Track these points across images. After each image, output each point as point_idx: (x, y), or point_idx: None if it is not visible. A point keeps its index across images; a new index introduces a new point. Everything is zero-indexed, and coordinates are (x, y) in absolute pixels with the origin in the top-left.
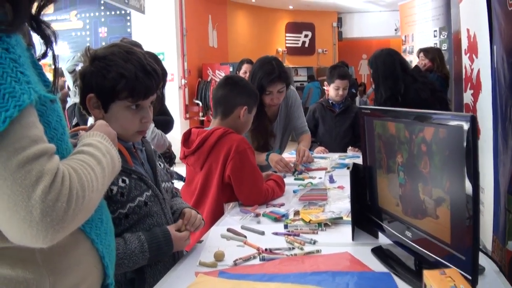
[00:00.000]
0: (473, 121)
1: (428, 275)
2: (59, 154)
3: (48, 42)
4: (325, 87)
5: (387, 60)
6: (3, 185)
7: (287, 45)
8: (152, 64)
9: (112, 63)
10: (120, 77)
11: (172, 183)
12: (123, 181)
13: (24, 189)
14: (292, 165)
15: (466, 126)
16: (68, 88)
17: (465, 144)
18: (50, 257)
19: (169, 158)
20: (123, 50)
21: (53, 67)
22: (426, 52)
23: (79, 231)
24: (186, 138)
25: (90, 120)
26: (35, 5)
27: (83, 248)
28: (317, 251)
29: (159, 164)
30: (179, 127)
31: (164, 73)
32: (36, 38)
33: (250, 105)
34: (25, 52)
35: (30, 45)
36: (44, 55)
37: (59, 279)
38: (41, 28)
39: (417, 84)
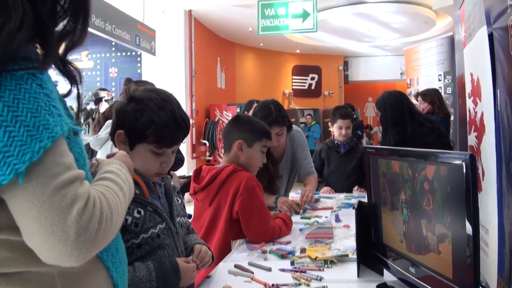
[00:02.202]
0: (472, 160)
1: None
2: None
3: (73, 81)
4: (330, 128)
5: (396, 105)
6: (40, 208)
7: (294, 87)
8: (184, 115)
9: (147, 108)
10: (151, 123)
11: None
12: (138, 212)
13: (61, 211)
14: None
15: (465, 164)
16: None
17: (464, 181)
18: (69, 283)
19: None
20: (160, 98)
21: (77, 104)
22: (424, 95)
23: (96, 258)
24: (197, 174)
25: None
26: (63, 46)
27: (99, 275)
28: (323, 287)
29: (177, 199)
30: (186, 165)
31: None
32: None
33: (248, 139)
34: (55, 88)
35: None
36: (68, 94)
37: None
38: (67, 69)
39: (424, 129)
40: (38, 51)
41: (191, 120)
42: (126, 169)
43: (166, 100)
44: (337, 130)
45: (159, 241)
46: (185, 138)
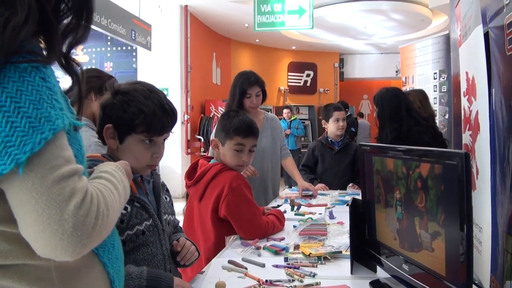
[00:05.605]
0: (467, 158)
1: None
2: None
3: (76, 78)
4: (324, 126)
5: (393, 102)
6: (39, 200)
7: (289, 83)
8: (170, 104)
9: (134, 98)
10: (139, 112)
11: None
12: (125, 208)
13: (58, 204)
14: (289, 201)
15: (460, 162)
16: None
17: (458, 180)
18: (65, 278)
19: None
20: (145, 88)
21: (78, 99)
22: (407, 95)
23: (92, 254)
24: (193, 169)
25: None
26: (66, 43)
27: (95, 271)
28: (317, 283)
29: (165, 197)
30: (180, 161)
31: None
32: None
33: (220, 137)
34: (57, 83)
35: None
36: (70, 89)
37: None
38: (70, 65)
39: (420, 127)
40: (42, 46)
41: (186, 116)
42: (123, 171)
43: (152, 90)
44: (335, 124)
45: (144, 238)
46: (180, 133)
